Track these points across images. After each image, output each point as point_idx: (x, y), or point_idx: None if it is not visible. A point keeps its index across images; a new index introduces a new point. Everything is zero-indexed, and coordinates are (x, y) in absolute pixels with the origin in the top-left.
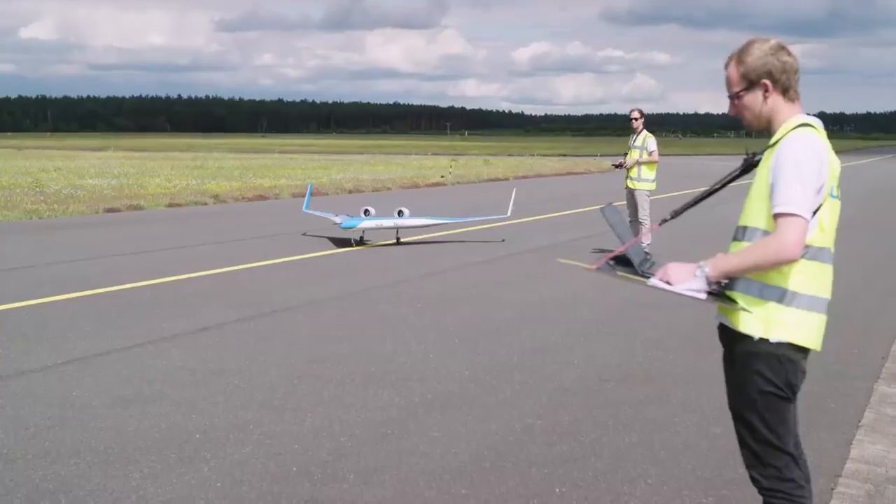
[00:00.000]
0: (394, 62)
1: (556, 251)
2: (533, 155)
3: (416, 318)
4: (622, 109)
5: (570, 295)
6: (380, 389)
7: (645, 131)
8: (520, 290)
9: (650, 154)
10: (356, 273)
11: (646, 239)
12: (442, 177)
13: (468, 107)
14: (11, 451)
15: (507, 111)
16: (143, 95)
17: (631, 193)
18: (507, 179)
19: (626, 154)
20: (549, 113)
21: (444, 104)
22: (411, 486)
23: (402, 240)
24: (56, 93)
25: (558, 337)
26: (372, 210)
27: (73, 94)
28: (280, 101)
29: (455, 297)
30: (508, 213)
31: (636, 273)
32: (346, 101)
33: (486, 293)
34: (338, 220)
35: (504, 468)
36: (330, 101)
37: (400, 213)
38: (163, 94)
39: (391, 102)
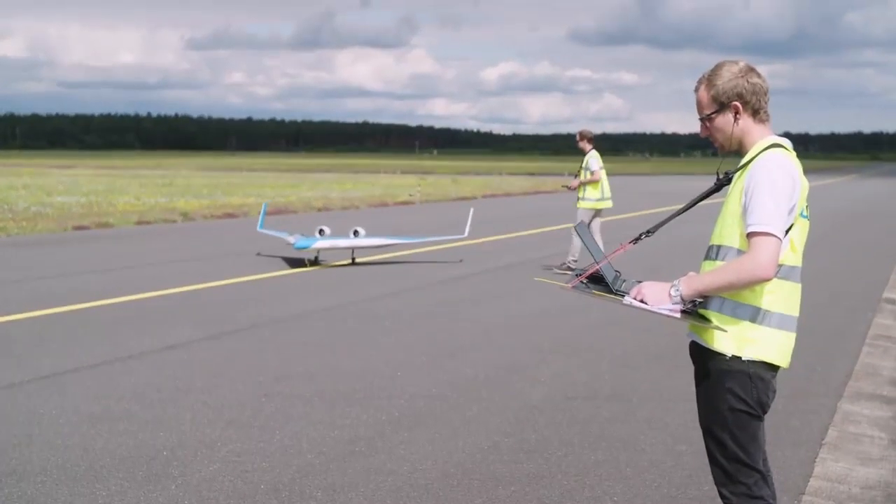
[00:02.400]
0: (363, 81)
1: (523, 269)
2: (501, 174)
3: (383, 336)
4: (590, 129)
5: (536, 313)
6: (347, 407)
7: (593, 151)
8: (486, 308)
9: (592, 174)
10: (320, 292)
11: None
12: (410, 195)
13: (437, 125)
14: None
15: (475, 130)
16: (113, 113)
17: (586, 213)
18: (475, 198)
19: (576, 175)
20: (517, 132)
21: (413, 123)
22: (379, 503)
23: (357, 260)
24: (25, 110)
25: (525, 355)
26: (327, 230)
27: (42, 112)
28: (249, 119)
29: (421, 314)
30: (466, 234)
31: (610, 292)
32: (315, 119)
33: (452, 311)
34: (291, 240)
35: (471, 486)
36: (299, 120)
37: (355, 233)
38: (132, 112)
39: (360, 121)
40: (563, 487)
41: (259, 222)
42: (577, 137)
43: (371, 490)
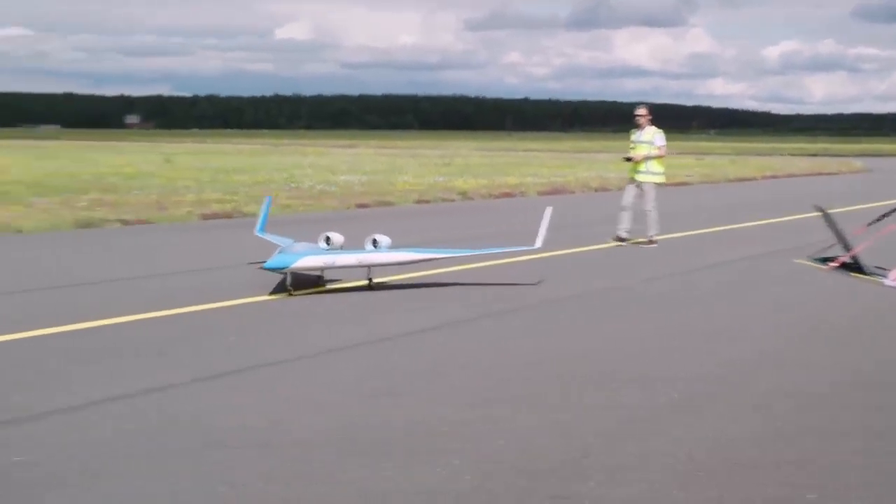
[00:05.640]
0: (640, 61)
1: (783, 255)
2: (783, 154)
3: (653, 318)
4: (876, 108)
5: (804, 299)
6: (623, 388)
7: (653, 127)
8: (758, 294)
9: (659, 149)
10: (596, 272)
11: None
12: (687, 176)
13: (714, 105)
14: (268, 437)
15: (753, 110)
16: (393, 93)
17: (639, 185)
18: (754, 179)
19: (632, 148)
20: (798, 112)
21: (689, 103)
22: (660, 486)
23: (374, 281)
24: (310, 91)
25: (801, 341)
26: (337, 238)
27: (326, 93)
28: (525, 99)
29: (694, 297)
30: (538, 244)
31: (868, 273)
32: (591, 99)
33: (722, 295)
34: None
35: (755, 470)
36: (575, 100)
37: (374, 244)
38: (411, 92)
39: (636, 101)
40: (860, 478)
41: (259, 223)
42: (643, 112)
43: (649, 472)
